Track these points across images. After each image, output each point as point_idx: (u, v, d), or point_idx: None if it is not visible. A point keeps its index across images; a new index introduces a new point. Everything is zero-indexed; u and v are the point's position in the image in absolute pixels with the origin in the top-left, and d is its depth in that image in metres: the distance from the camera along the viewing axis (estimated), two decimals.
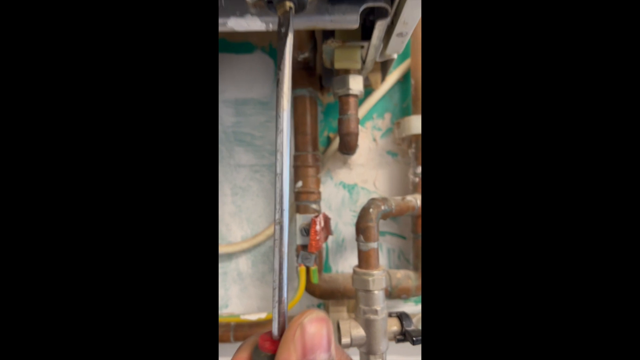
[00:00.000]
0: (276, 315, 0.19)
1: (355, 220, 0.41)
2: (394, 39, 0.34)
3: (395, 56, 0.41)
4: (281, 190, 0.20)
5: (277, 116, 0.21)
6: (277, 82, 0.21)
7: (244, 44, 0.53)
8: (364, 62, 0.40)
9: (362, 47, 0.37)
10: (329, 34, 0.37)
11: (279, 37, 0.22)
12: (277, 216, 0.20)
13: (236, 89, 0.53)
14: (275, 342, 0.18)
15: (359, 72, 0.40)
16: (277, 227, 0.20)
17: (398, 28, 0.32)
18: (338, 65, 0.38)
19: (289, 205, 0.20)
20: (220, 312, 0.53)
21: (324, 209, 0.54)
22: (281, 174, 0.20)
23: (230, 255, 0.54)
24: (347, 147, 0.42)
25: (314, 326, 0.17)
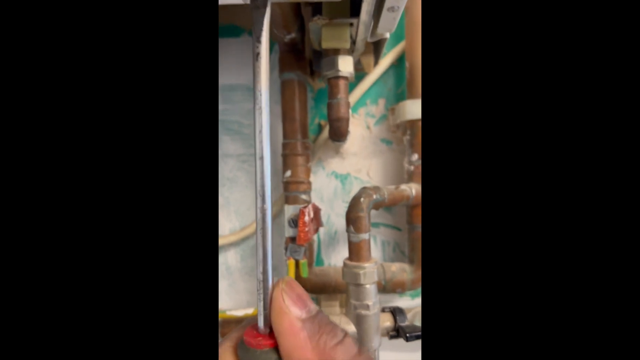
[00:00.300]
0: (261, 309, 0.18)
1: None
2: (385, 14, 0.31)
3: (387, 35, 0.38)
4: (262, 174, 0.18)
5: (256, 93, 0.19)
6: (256, 57, 0.19)
7: (230, 27, 0.51)
8: (354, 42, 0.37)
9: (352, 24, 0.35)
10: (316, 10, 0.35)
11: (255, 7, 0.20)
12: (259, 203, 0.18)
13: (223, 75, 0.51)
14: (267, 336, 0.18)
15: (348, 52, 0.38)
16: (260, 215, 0.18)
17: (389, 1, 0.29)
18: (326, 44, 0.36)
19: (271, 191, 0.19)
20: None
21: (316, 200, 0.51)
22: (262, 157, 0.18)
23: (219, 249, 0.52)
24: (338, 133, 0.40)
25: (292, 285, 0.18)
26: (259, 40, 0.19)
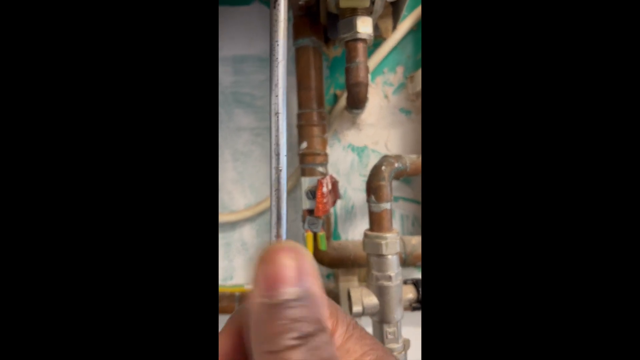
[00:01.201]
0: None
1: (365, 185, 0.38)
2: None
3: None
4: (277, 131, 0.17)
5: (273, 44, 0.17)
6: (273, 4, 0.18)
7: None
8: (372, 1, 0.35)
9: None
10: None
11: None
12: (274, 163, 0.17)
13: (234, 45, 0.49)
14: None
15: (367, 12, 0.36)
16: (274, 175, 0.17)
17: None
18: (344, 3, 0.34)
19: (287, 164, 0.17)
20: (224, 283, 0.51)
21: (332, 174, 0.50)
22: (277, 113, 0.17)
23: (234, 225, 0.51)
24: (356, 99, 0.38)
25: (277, 258, 0.14)
26: None
